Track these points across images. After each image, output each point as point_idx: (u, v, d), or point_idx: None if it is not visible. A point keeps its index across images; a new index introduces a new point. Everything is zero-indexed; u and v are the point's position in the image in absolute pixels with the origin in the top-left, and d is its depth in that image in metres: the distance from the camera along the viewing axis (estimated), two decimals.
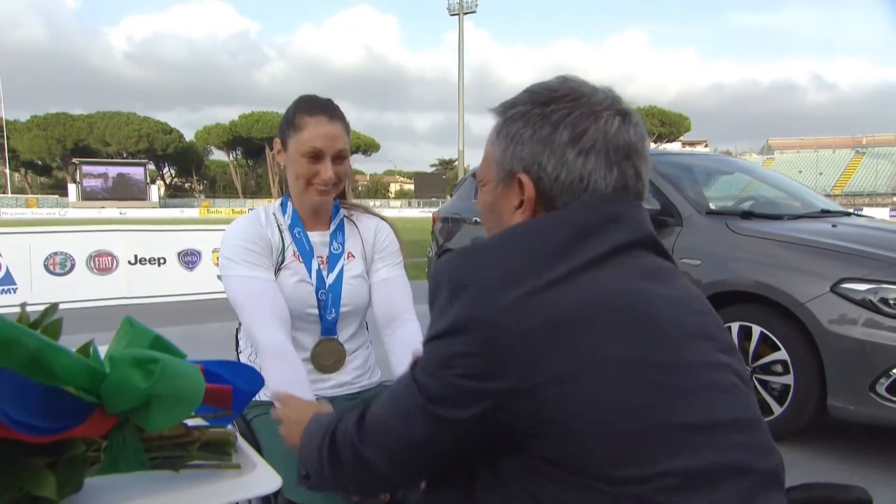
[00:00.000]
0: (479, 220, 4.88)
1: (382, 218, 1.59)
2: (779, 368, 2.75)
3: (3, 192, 57.77)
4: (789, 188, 4.08)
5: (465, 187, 5.56)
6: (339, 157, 1.37)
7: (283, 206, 1.46)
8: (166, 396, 0.68)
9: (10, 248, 6.46)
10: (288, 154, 1.39)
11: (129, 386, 0.67)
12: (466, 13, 43.45)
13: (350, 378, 1.45)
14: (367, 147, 77.58)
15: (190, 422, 0.80)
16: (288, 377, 1.25)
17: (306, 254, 1.42)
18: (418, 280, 6.37)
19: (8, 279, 6.38)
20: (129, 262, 6.79)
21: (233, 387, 0.78)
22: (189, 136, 70.27)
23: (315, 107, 1.38)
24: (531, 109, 0.74)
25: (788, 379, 2.70)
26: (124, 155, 62.69)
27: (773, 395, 2.77)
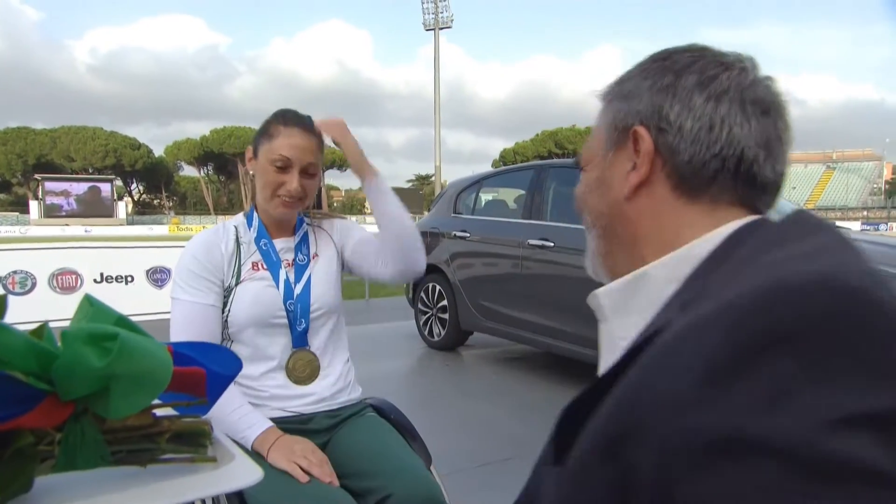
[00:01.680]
0: (459, 233, 4.91)
1: (343, 218, 1.62)
2: None
3: None
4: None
5: (443, 201, 5.56)
6: (308, 172, 1.39)
7: (249, 217, 1.47)
8: (127, 377, 0.61)
9: None
10: (258, 162, 1.41)
11: (84, 367, 0.60)
12: (442, 28, 43.83)
13: (329, 393, 1.43)
14: (343, 162, 77.27)
15: (159, 412, 0.74)
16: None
17: (274, 264, 1.43)
18: (395, 296, 6.32)
19: None
20: (95, 281, 6.64)
21: (206, 370, 0.71)
22: (158, 151, 69.53)
23: (291, 119, 1.40)
24: (649, 64, 0.62)
25: None
26: (90, 171, 61.67)
27: None
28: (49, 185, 53.82)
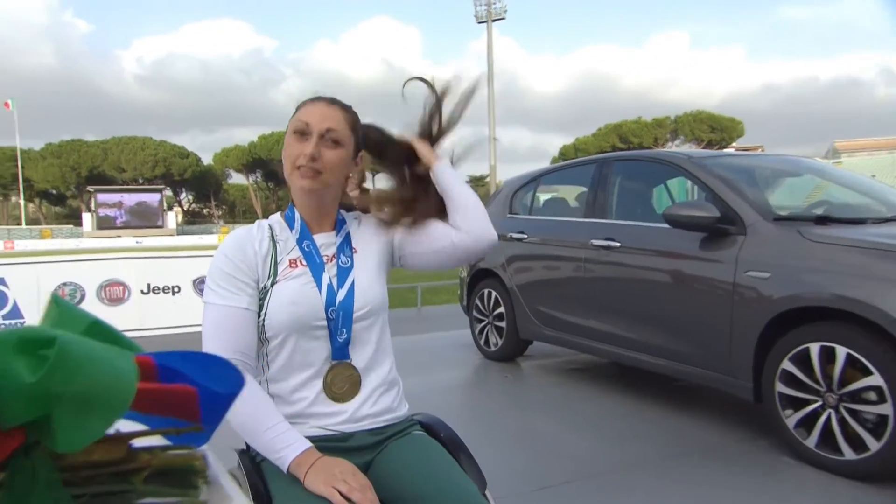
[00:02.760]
0: (515, 235, 4.84)
1: None
2: (872, 396, 2.57)
3: (18, 224, 59.80)
4: (870, 189, 3.91)
5: (497, 201, 5.50)
6: (329, 140, 1.34)
7: (290, 216, 1.44)
8: (72, 397, 0.48)
9: (18, 279, 6.62)
10: (284, 143, 1.39)
11: (12, 382, 0.47)
12: (495, 20, 43.76)
13: (372, 410, 1.39)
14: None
15: (142, 442, 0.62)
16: (248, 409, 1.26)
17: (317, 266, 1.39)
18: (449, 304, 6.30)
19: (15, 313, 6.53)
20: (142, 292, 6.91)
21: (199, 388, 0.60)
22: (206, 159, 71.93)
23: (318, 96, 1.41)
24: None
25: (885, 408, 2.51)
26: (140, 181, 64.46)
27: (867, 427, 2.59)
28: (101, 197, 56.45)
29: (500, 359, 5.07)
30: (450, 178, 1.51)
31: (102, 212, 56.05)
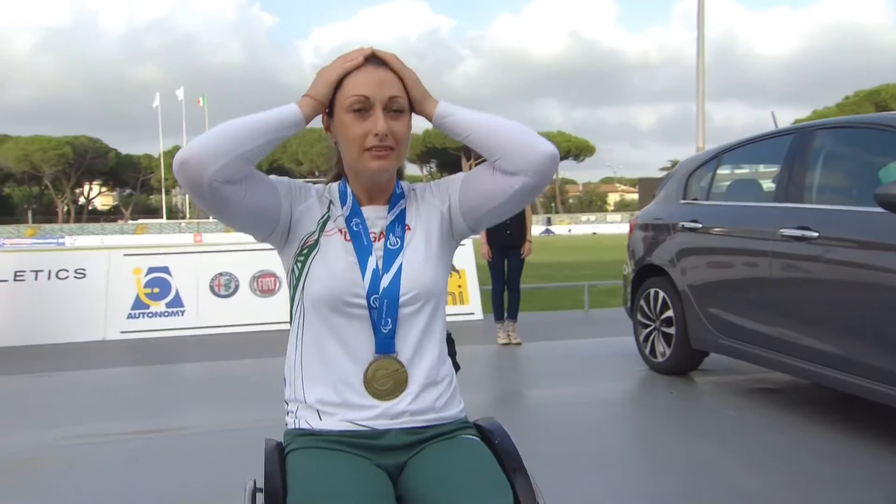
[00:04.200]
0: (688, 225, 4.42)
1: None
2: None
3: (206, 217, 67.50)
4: None
5: (670, 184, 5.08)
6: (394, 111, 1.31)
7: (342, 192, 1.42)
8: None
9: (180, 269, 7.37)
10: (334, 122, 1.36)
11: None
12: None
13: (409, 406, 1.32)
14: (579, 151, 77.37)
15: None
16: (231, 127, 1.25)
17: (363, 249, 1.36)
18: (620, 307, 5.99)
19: (177, 301, 7.26)
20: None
21: None
22: None
23: (362, 58, 1.34)
24: None
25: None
26: (316, 174, 69.78)
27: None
28: None
29: (668, 371, 4.67)
30: (458, 121, 1.34)
31: None
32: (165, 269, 7.36)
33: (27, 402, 4.60)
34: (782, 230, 3.58)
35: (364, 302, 1.31)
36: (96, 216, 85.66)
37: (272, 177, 1.38)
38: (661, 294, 4.69)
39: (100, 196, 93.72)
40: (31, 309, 6.95)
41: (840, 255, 3.26)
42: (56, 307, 7.01)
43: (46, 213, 78.66)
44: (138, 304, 7.19)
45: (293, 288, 1.38)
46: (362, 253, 1.35)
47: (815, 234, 3.37)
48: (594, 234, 54.65)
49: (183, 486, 2.93)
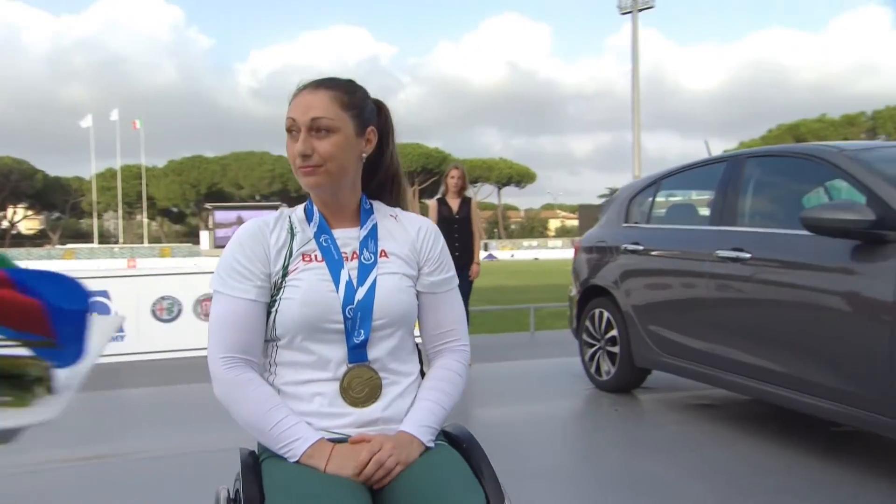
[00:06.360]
0: (630, 247, 4.63)
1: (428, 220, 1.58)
2: None
3: (141, 242, 65.71)
4: None
5: (612, 209, 5.30)
6: (318, 129, 1.37)
7: (309, 210, 1.48)
8: None
9: (119, 293, 7.22)
10: None
11: None
12: (641, 9, 42.10)
13: (381, 414, 1.38)
14: (521, 177, 78.31)
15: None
16: (252, 406, 1.32)
17: (335, 263, 1.41)
18: (567, 329, 6.13)
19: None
20: None
21: (44, 303, 0.64)
22: None
23: (302, 86, 1.43)
24: None
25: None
26: (257, 198, 68.85)
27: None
28: (219, 215, 60.69)
29: (612, 389, 4.84)
30: (440, 421, 1.44)
31: (220, 232, 60.24)
32: (104, 294, 7.21)
33: None
34: (718, 251, 3.80)
35: (340, 317, 1.36)
36: (20, 241, 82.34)
37: (247, 303, 1.37)
38: (606, 314, 4.87)
39: (25, 220, 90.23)
40: None
41: (771, 274, 3.49)
42: None
43: None
44: None
45: (266, 315, 1.41)
46: (334, 267, 1.39)
47: (748, 255, 3.60)
48: (536, 259, 55.40)
49: None
